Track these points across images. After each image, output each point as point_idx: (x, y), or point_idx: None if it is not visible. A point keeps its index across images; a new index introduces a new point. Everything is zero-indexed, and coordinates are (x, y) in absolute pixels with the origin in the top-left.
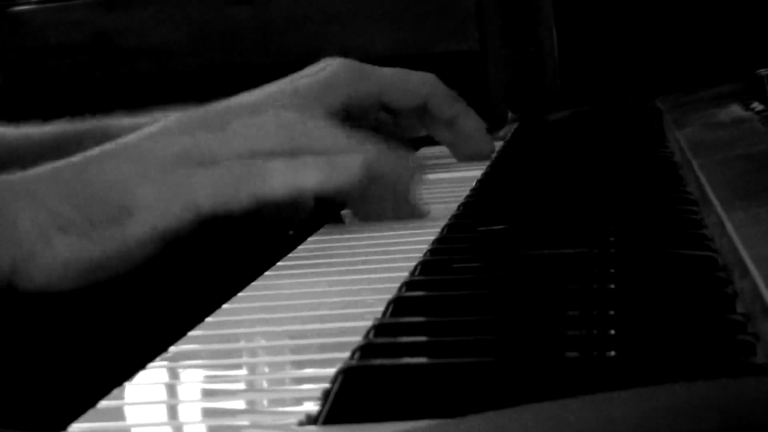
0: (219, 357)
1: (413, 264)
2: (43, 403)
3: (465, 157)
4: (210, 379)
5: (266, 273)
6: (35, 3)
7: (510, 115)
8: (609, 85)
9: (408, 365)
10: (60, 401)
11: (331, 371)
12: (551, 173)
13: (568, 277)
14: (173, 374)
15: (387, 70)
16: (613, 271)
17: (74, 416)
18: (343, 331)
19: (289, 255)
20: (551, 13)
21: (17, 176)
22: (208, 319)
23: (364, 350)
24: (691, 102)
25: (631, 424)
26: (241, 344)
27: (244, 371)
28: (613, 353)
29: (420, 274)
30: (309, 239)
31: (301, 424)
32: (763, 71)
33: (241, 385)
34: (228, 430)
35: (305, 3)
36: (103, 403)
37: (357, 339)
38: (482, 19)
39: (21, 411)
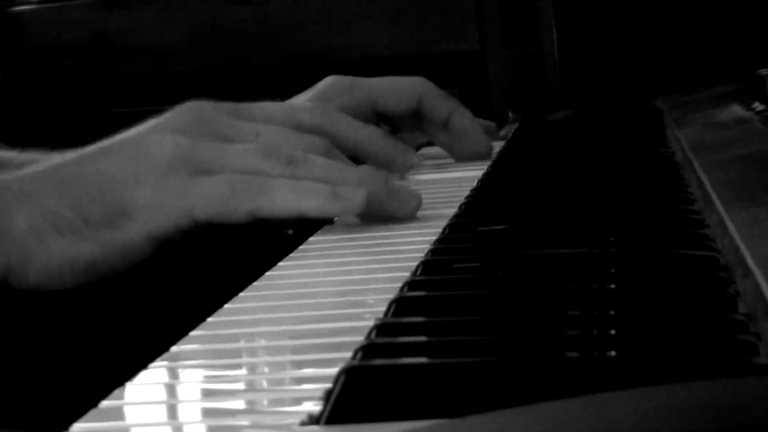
0: (220, 357)
1: (415, 264)
2: (45, 403)
3: (463, 157)
4: (210, 379)
5: (267, 273)
6: (35, 3)
7: (510, 115)
8: (609, 85)
9: (410, 365)
10: (62, 401)
11: (332, 371)
12: (552, 173)
13: (569, 277)
14: (174, 374)
15: (377, 78)
16: (613, 271)
17: (76, 416)
18: (343, 331)
19: (290, 255)
20: (551, 13)
21: (12, 176)
22: (210, 319)
23: (366, 350)
24: (692, 102)
25: (631, 424)
26: (242, 344)
27: (244, 371)
28: (613, 353)
29: (422, 274)
30: (309, 239)
31: (303, 424)
32: (763, 71)
33: (241, 385)
34: (228, 430)
35: (305, 3)
36: (105, 403)
37: (357, 339)
38: (482, 19)
39: (23, 411)
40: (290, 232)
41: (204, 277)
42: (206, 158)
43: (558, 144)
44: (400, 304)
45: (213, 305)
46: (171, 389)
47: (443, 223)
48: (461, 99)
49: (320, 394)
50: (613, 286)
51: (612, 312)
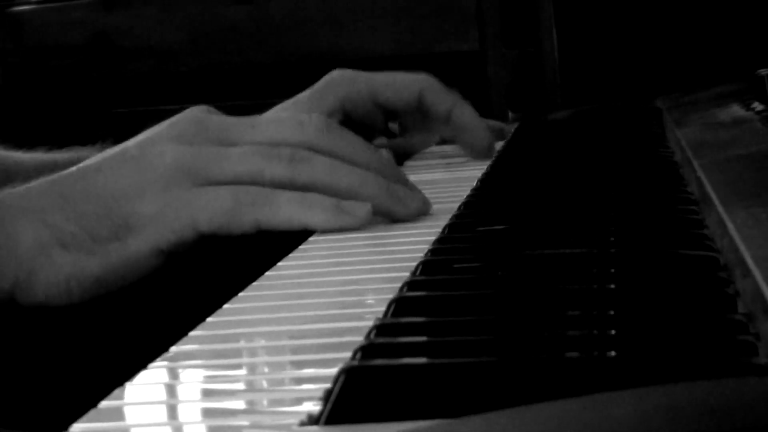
0: (220, 357)
1: (414, 264)
2: (45, 403)
3: (466, 152)
4: (210, 379)
5: (267, 273)
6: (35, 3)
7: (510, 115)
8: (609, 85)
9: (409, 365)
10: (61, 401)
11: (331, 371)
12: (552, 173)
13: (569, 277)
14: (174, 374)
15: (380, 73)
16: (613, 271)
17: (75, 416)
18: (343, 331)
19: (290, 255)
20: (551, 13)
21: (18, 192)
22: (209, 319)
23: (366, 350)
24: (692, 102)
25: (631, 424)
26: (242, 344)
27: (244, 371)
28: (613, 353)
29: (421, 274)
30: (310, 239)
31: (302, 424)
32: (763, 71)
33: (241, 385)
34: (228, 430)
35: (305, 3)
36: (105, 404)
37: (357, 339)
38: (482, 19)
39: (22, 411)
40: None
41: (204, 276)
42: (208, 166)
43: (558, 144)
44: (399, 304)
45: (213, 305)
46: (171, 389)
47: (443, 223)
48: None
49: (320, 394)
50: (612, 286)
51: (612, 312)
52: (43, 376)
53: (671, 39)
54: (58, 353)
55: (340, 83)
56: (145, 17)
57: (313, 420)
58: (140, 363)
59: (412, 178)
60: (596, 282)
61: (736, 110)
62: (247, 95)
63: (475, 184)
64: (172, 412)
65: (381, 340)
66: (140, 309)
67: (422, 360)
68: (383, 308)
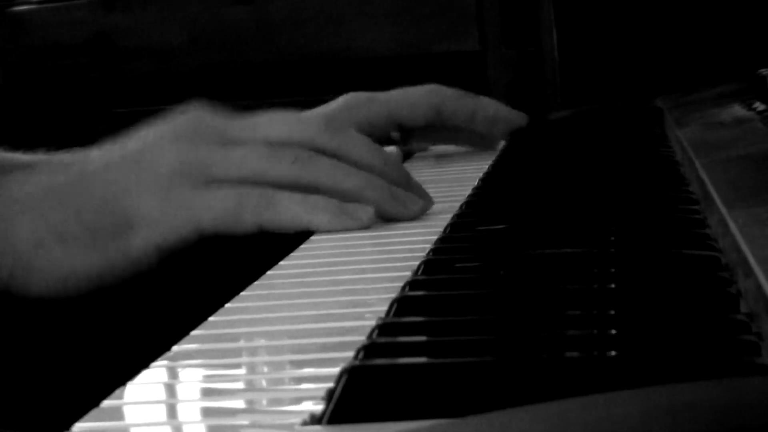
0: (220, 356)
1: (416, 263)
2: (47, 403)
3: (499, 140)
4: (211, 378)
5: (268, 272)
6: (35, 3)
7: None
8: (609, 84)
9: (411, 365)
10: (63, 401)
11: (332, 371)
12: (553, 173)
13: (570, 277)
14: (175, 374)
15: (394, 92)
16: (614, 270)
17: (77, 416)
18: (344, 331)
19: (291, 254)
20: (551, 13)
21: (17, 187)
22: (211, 319)
23: (368, 350)
24: (693, 102)
25: (632, 424)
26: (242, 344)
27: (244, 371)
28: (613, 353)
29: (423, 273)
30: (311, 238)
31: (305, 423)
32: (764, 71)
33: (242, 385)
34: (228, 429)
35: (305, 3)
36: (106, 403)
37: (358, 339)
38: (482, 19)
39: (24, 411)
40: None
41: (205, 276)
42: (209, 165)
43: (559, 144)
44: (401, 304)
45: (214, 305)
46: (172, 389)
47: (444, 222)
48: None
49: (320, 393)
50: (613, 285)
51: (612, 312)
52: (45, 376)
53: (671, 39)
54: (60, 353)
55: (356, 106)
56: (145, 17)
57: (315, 419)
58: (142, 362)
59: (415, 175)
60: (597, 282)
61: (737, 110)
62: (247, 95)
63: (476, 183)
64: (173, 411)
65: (383, 339)
66: (142, 308)
67: (424, 359)
68: (385, 308)
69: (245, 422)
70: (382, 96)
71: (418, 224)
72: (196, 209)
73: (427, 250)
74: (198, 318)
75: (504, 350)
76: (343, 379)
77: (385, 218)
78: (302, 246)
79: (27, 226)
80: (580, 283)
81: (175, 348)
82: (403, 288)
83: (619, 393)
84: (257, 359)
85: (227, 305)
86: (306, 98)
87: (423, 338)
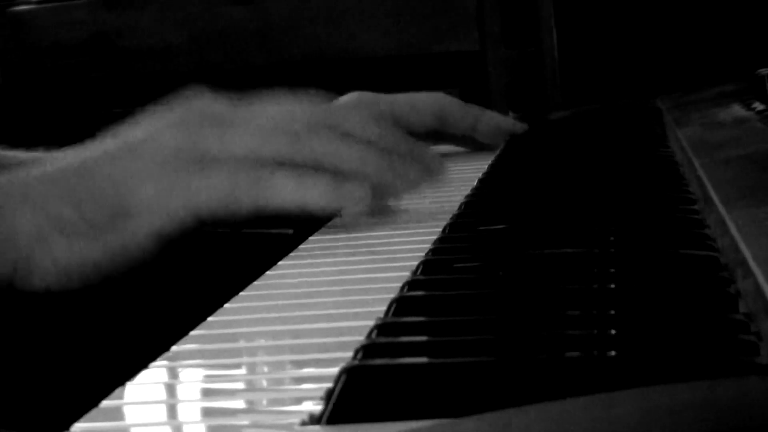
0: (220, 356)
1: (415, 263)
2: (46, 403)
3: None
4: (211, 378)
5: (267, 272)
6: (35, 3)
7: (510, 115)
8: (609, 84)
9: (410, 365)
10: (62, 401)
11: (332, 371)
12: (552, 173)
13: (569, 277)
14: (175, 374)
15: (399, 95)
16: (613, 270)
17: (77, 416)
18: (343, 331)
19: (290, 254)
20: (551, 13)
21: (16, 179)
22: (210, 319)
23: (367, 350)
24: (692, 102)
25: (632, 424)
26: (242, 344)
27: (244, 371)
28: (613, 353)
29: (422, 273)
30: (310, 238)
31: (304, 423)
32: (763, 71)
33: (241, 385)
34: (228, 429)
35: (305, 3)
36: (105, 403)
37: (357, 339)
38: (482, 19)
39: (24, 411)
40: (290, 232)
41: (204, 276)
42: (206, 149)
43: (558, 143)
44: (400, 304)
45: (213, 305)
46: (171, 389)
47: (443, 222)
48: (461, 99)
49: (320, 393)
50: (613, 285)
51: (612, 312)
52: (44, 376)
53: (671, 39)
54: (60, 353)
55: (361, 104)
56: (145, 17)
57: (314, 419)
58: (141, 362)
59: None
60: (596, 282)
61: (737, 110)
62: (247, 95)
63: (476, 183)
64: (173, 411)
65: (382, 339)
66: (141, 308)
67: (423, 359)
68: (384, 308)
69: (245, 422)
70: (387, 98)
71: (417, 224)
72: (193, 193)
73: (426, 250)
74: (197, 318)
75: (504, 350)
76: (342, 379)
77: (386, 193)
78: (301, 246)
79: (28, 219)
80: (580, 283)
81: (174, 348)
82: (402, 288)
83: (618, 393)
84: (257, 359)
85: (226, 305)
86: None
87: (422, 338)
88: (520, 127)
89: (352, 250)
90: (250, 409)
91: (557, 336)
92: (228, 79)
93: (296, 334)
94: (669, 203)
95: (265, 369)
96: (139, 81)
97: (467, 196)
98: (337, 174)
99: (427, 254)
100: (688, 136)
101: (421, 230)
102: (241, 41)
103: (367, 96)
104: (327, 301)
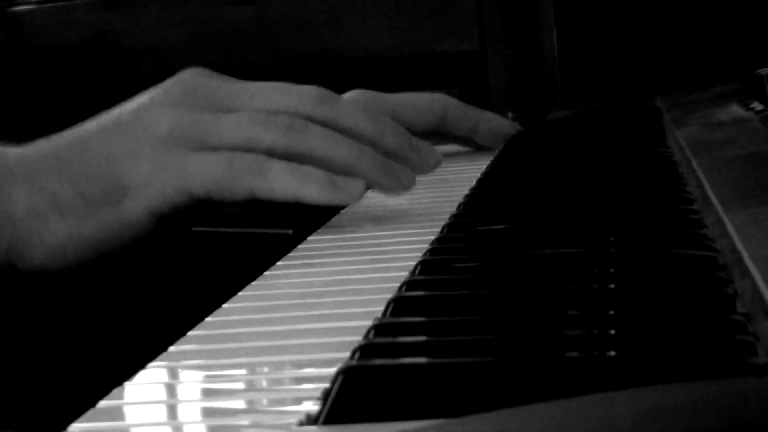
0: (218, 356)
1: (413, 263)
2: (43, 403)
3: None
4: (210, 378)
5: (266, 273)
6: (35, 3)
7: (510, 115)
8: (609, 84)
9: (408, 365)
10: (60, 401)
11: (331, 371)
12: (551, 173)
13: (568, 277)
14: (173, 374)
15: (400, 94)
16: (612, 270)
17: (74, 416)
18: (342, 331)
19: (289, 254)
20: (551, 13)
21: (12, 156)
22: (208, 319)
23: (364, 350)
24: (691, 102)
25: (631, 424)
26: (241, 344)
27: (243, 371)
28: (613, 353)
29: (420, 273)
30: (309, 238)
31: (301, 424)
32: (762, 71)
33: (241, 385)
34: (228, 429)
35: (305, 3)
36: (103, 403)
37: (357, 339)
38: (482, 19)
39: (21, 411)
40: (290, 232)
41: (203, 276)
42: (203, 131)
43: (557, 143)
44: (398, 304)
45: (212, 305)
46: (170, 389)
47: (442, 222)
48: (461, 99)
49: (319, 393)
50: (612, 285)
51: (611, 312)
52: (42, 376)
53: (671, 39)
54: (58, 353)
55: (362, 102)
56: (145, 17)
57: (311, 420)
58: (139, 362)
59: None
60: (596, 282)
61: (736, 110)
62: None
63: (474, 183)
64: (172, 411)
65: (380, 339)
66: (139, 308)
67: (421, 360)
68: (382, 308)
69: (244, 422)
70: (388, 97)
71: (415, 224)
72: (188, 174)
73: (424, 251)
74: (196, 318)
75: (503, 350)
76: (339, 380)
77: (379, 190)
78: (299, 246)
79: (24, 197)
80: (580, 283)
81: (172, 348)
82: (400, 288)
83: (618, 393)
84: (256, 359)
85: (225, 305)
86: None
87: (420, 338)
88: (519, 131)
89: (350, 251)
90: (250, 409)
91: (557, 336)
92: None
93: (295, 335)
94: (668, 203)
95: (265, 369)
96: (139, 81)
97: (466, 196)
98: (332, 168)
99: (425, 254)
100: (687, 136)
101: (420, 230)
102: (241, 41)
103: (368, 95)
104: (325, 302)
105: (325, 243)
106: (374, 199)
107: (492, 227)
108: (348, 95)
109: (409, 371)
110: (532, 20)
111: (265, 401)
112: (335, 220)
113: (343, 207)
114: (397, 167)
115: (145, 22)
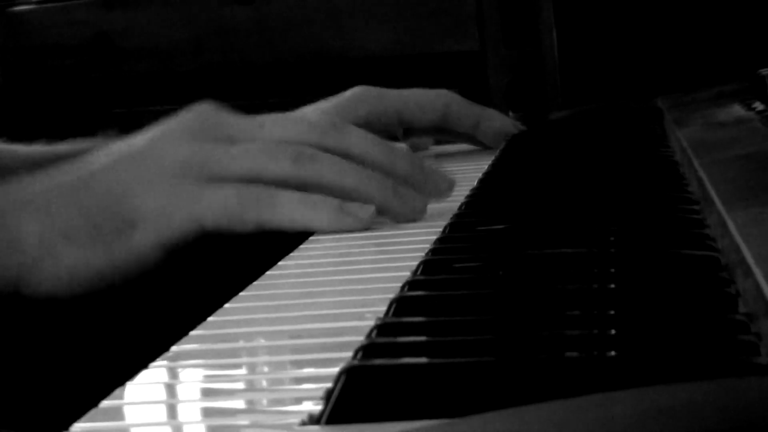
0: (220, 356)
1: (415, 263)
2: (46, 402)
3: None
4: (211, 378)
5: (268, 272)
6: (35, 3)
7: (510, 115)
8: (609, 84)
9: (410, 365)
10: (62, 401)
11: (332, 371)
12: (552, 173)
13: (569, 277)
14: (175, 374)
15: (404, 90)
16: (613, 270)
17: (76, 416)
18: (343, 331)
19: (291, 254)
20: (551, 13)
21: (22, 184)
22: (210, 319)
23: (367, 350)
24: (692, 102)
25: (631, 424)
26: (242, 344)
27: (244, 371)
28: (613, 353)
29: (422, 273)
30: (310, 238)
31: (303, 423)
32: (764, 71)
33: (242, 385)
34: (228, 429)
35: (305, 3)
36: (105, 403)
37: (357, 339)
38: (482, 19)
39: (23, 411)
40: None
41: (204, 276)
42: (213, 163)
43: (558, 143)
44: (400, 304)
45: (213, 305)
46: (171, 389)
47: (443, 222)
48: None
49: (320, 393)
50: (613, 285)
51: (612, 312)
52: (44, 376)
53: (671, 39)
54: (60, 353)
55: (366, 99)
56: (145, 17)
57: (314, 420)
58: (141, 362)
59: None
60: (596, 282)
61: (737, 110)
62: (247, 95)
63: (476, 183)
64: (173, 411)
65: (382, 339)
66: (141, 308)
67: (423, 360)
68: (384, 308)
69: (245, 422)
70: (392, 93)
71: (417, 224)
72: (198, 207)
73: (426, 250)
74: (197, 318)
75: (503, 350)
76: (342, 379)
77: (389, 217)
78: (302, 246)
79: (34, 226)
80: (580, 283)
81: (174, 348)
82: (402, 288)
83: (618, 393)
84: (257, 359)
85: (226, 305)
86: (306, 98)
87: (422, 338)
88: (516, 127)
89: (352, 250)
90: (250, 409)
91: (557, 336)
92: (228, 79)
93: (296, 334)
94: (669, 203)
95: (265, 369)
96: (140, 81)
97: (467, 196)
98: (342, 195)
99: (427, 254)
100: (689, 136)
101: (422, 230)
102: (241, 41)
103: (371, 91)
104: (327, 301)
105: (326, 242)
106: None
107: (493, 227)
108: (350, 92)
109: (411, 371)
110: (532, 20)
111: (265, 401)
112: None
113: None
114: (408, 193)
115: (145, 22)
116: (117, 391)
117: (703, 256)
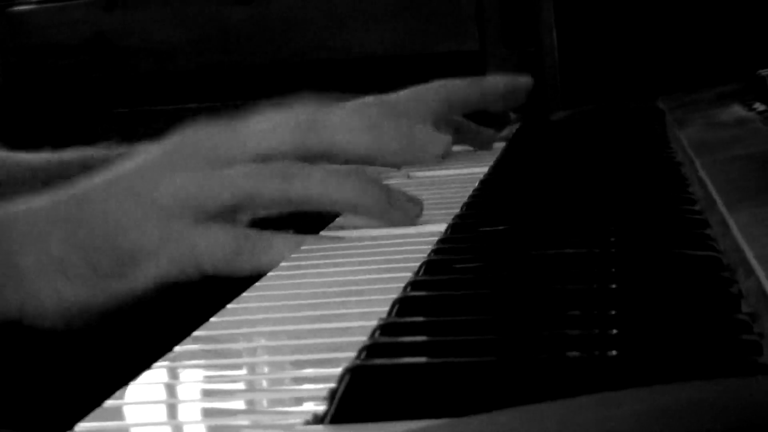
0: (222, 357)
1: (417, 264)
2: (50, 402)
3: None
4: (213, 379)
5: (270, 273)
6: (35, 3)
7: (510, 115)
8: (610, 85)
9: (413, 365)
10: (66, 401)
11: (333, 371)
12: (553, 173)
13: (571, 277)
14: (177, 374)
15: (401, 92)
16: (614, 271)
17: (80, 416)
18: (345, 331)
19: (293, 255)
20: (551, 13)
21: (20, 213)
22: (212, 320)
23: (370, 350)
24: (693, 102)
25: (633, 424)
26: (244, 344)
27: (245, 371)
28: (614, 353)
29: (424, 274)
30: (311, 239)
31: (307, 423)
32: (764, 71)
33: (243, 385)
34: (229, 430)
35: (305, 3)
36: (109, 403)
37: (359, 339)
38: (482, 19)
39: (27, 411)
40: (291, 231)
41: (206, 276)
42: (205, 196)
43: (559, 144)
44: (403, 304)
45: (215, 305)
46: (173, 389)
47: (446, 223)
48: None
49: (321, 394)
50: (614, 285)
51: (613, 312)
52: (47, 376)
53: (672, 39)
54: (63, 353)
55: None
56: (145, 17)
57: (318, 419)
58: (144, 363)
59: (418, 174)
60: (598, 282)
61: (738, 110)
62: (247, 95)
63: (477, 184)
64: (174, 411)
65: (385, 339)
66: (144, 309)
67: (426, 359)
68: (386, 308)
69: (246, 423)
70: (390, 98)
71: (419, 225)
72: (198, 251)
73: (428, 251)
74: (199, 319)
75: (505, 350)
76: (346, 379)
77: (386, 222)
78: (303, 246)
79: (32, 260)
80: (581, 283)
81: (176, 348)
82: (405, 288)
83: (619, 393)
84: (258, 360)
85: (228, 306)
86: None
87: (425, 338)
88: (524, 81)
89: (354, 251)
90: (251, 409)
91: (558, 336)
92: (228, 79)
93: (298, 335)
94: (670, 203)
95: (266, 369)
96: (140, 81)
97: (469, 197)
98: (337, 209)
99: (429, 254)
100: (690, 137)
101: (424, 230)
102: (241, 41)
103: (368, 100)
104: (329, 302)
105: (328, 243)
106: None
107: (495, 228)
108: (356, 103)
109: (414, 371)
110: (532, 20)
111: (266, 402)
112: (339, 220)
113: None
114: (401, 197)
115: (145, 22)
116: (119, 392)
117: (704, 256)
